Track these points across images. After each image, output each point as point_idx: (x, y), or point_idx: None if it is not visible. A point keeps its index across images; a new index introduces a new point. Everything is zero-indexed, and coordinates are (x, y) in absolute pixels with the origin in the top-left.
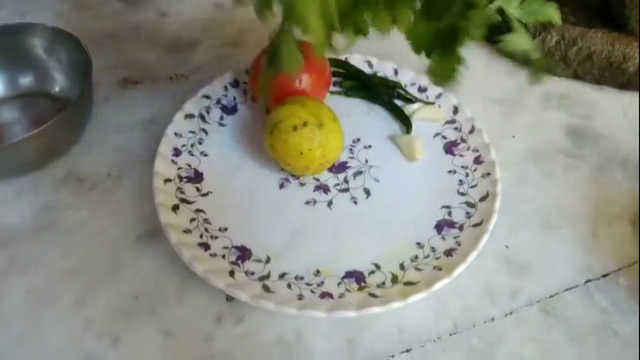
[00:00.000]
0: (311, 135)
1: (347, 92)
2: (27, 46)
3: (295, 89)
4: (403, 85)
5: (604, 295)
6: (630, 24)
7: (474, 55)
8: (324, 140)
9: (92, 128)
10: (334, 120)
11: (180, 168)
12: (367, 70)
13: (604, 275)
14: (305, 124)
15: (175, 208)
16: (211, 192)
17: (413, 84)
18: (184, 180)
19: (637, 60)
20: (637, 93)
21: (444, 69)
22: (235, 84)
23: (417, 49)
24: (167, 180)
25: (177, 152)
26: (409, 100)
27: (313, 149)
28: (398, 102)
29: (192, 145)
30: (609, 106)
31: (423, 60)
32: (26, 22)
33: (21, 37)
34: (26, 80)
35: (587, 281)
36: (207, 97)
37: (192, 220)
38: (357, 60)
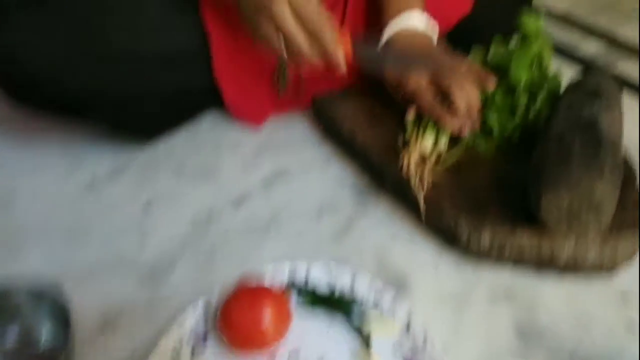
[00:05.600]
0: None
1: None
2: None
3: (261, 330)
4: (360, 300)
5: None
6: (547, 226)
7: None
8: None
9: None
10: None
11: None
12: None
13: None
14: None
15: None
16: None
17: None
18: None
19: (565, 255)
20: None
21: None
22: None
23: None
24: None
25: None
26: (367, 315)
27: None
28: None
29: None
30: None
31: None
32: None
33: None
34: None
35: None
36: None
37: None
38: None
